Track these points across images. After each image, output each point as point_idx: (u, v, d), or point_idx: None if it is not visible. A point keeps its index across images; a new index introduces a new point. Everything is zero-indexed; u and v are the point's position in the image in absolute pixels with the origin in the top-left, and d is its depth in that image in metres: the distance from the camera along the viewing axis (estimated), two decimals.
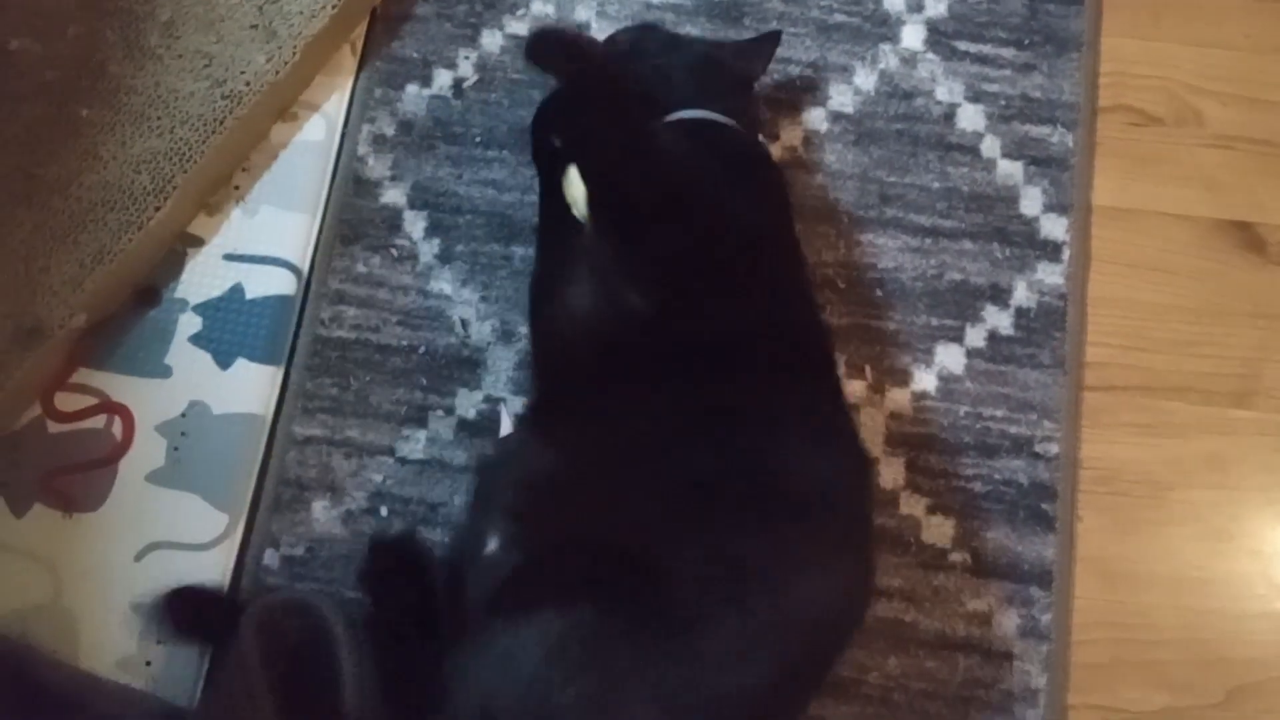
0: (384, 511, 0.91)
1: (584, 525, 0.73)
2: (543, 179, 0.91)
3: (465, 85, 1.02)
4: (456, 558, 0.80)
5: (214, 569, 0.88)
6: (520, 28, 1.04)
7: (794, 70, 1.02)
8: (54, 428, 0.91)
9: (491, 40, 1.03)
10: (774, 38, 0.95)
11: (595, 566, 0.70)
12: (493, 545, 0.74)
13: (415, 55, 1.03)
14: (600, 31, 1.03)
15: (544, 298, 0.86)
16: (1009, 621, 0.88)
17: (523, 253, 0.96)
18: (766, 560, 0.70)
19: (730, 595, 0.69)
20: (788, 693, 0.73)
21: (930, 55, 1.02)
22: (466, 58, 1.03)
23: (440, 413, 0.93)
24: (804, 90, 1.01)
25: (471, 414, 0.93)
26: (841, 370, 0.93)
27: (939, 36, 1.03)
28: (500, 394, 0.93)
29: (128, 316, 0.94)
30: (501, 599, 0.72)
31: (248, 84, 0.94)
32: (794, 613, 0.71)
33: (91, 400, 0.92)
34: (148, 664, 0.85)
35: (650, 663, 0.68)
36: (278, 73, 0.95)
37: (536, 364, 0.88)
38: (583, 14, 1.04)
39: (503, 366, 0.94)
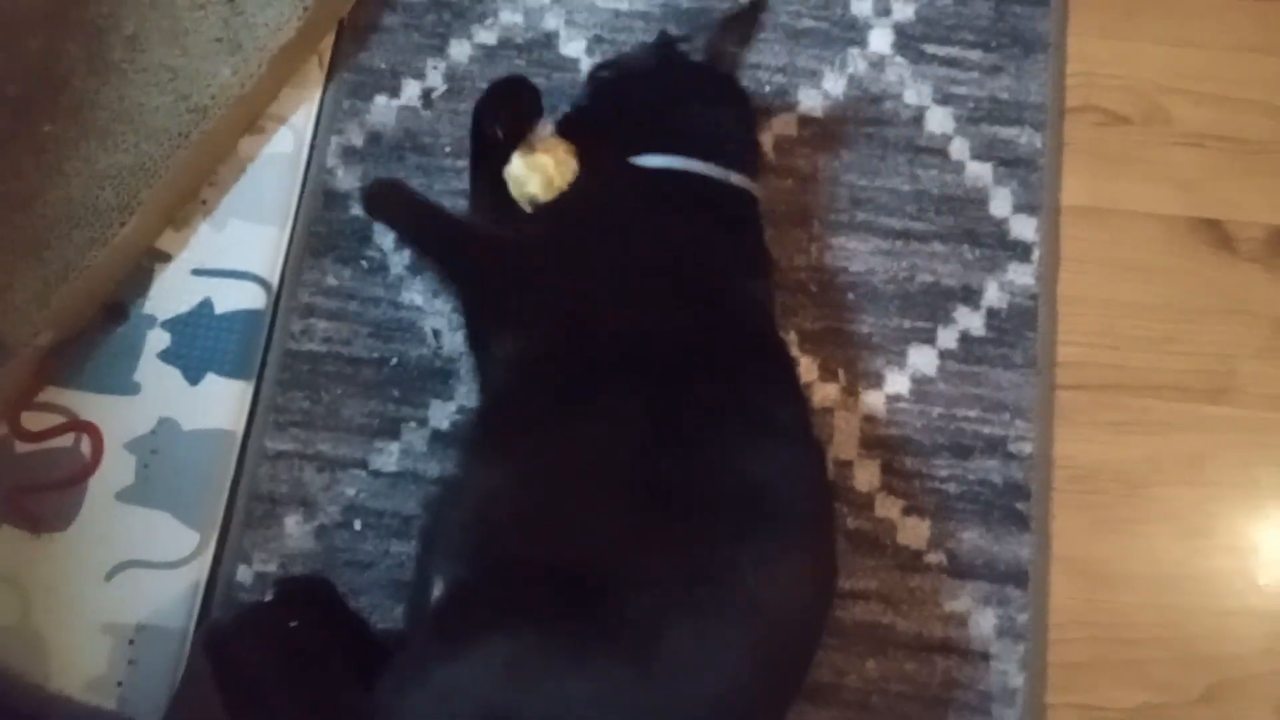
0: (357, 525, 0.90)
1: (531, 543, 0.72)
2: (477, 168, 0.92)
3: (434, 95, 1.02)
4: (408, 611, 0.80)
5: (186, 587, 0.87)
6: (489, 37, 1.03)
7: (763, 76, 1.02)
8: (21, 447, 0.90)
9: (460, 50, 1.03)
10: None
11: (538, 587, 0.69)
12: (439, 590, 0.73)
13: (383, 66, 1.03)
14: (569, 41, 1.03)
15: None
16: (986, 622, 0.88)
17: None
18: (721, 564, 0.70)
19: (685, 602, 0.69)
20: (761, 696, 0.73)
21: (898, 59, 1.02)
22: (435, 68, 1.02)
23: (413, 424, 0.92)
24: (773, 95, 1.01)
25: (445, 425, 0.92)
26: (815, 374, 0.94)
27: (907, 40, 1.03)
28: (473, 404, 0.93)
29: (95, 333, 0.93)
30: (441, 628, 0.71)
31: (214, 97, 0.94)
32: (755, 614, 0.70)
33: (59, 419, 0.91)
34: (118, 684, 0.84)
35: (605, 678, 0.67)
36: (244, 86, 0.95)
37: (481, 375, 0.88)
38: (551, 23, 1.04)
39: (475, 377, 0.93)
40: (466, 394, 0.93)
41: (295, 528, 0.90)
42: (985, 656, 0.87)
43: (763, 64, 1.02)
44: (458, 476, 0.86)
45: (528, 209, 0.88)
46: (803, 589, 0.74)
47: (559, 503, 0.74)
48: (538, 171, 0.87)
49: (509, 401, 0.81)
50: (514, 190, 0.89)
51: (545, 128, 0.92)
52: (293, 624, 0.80)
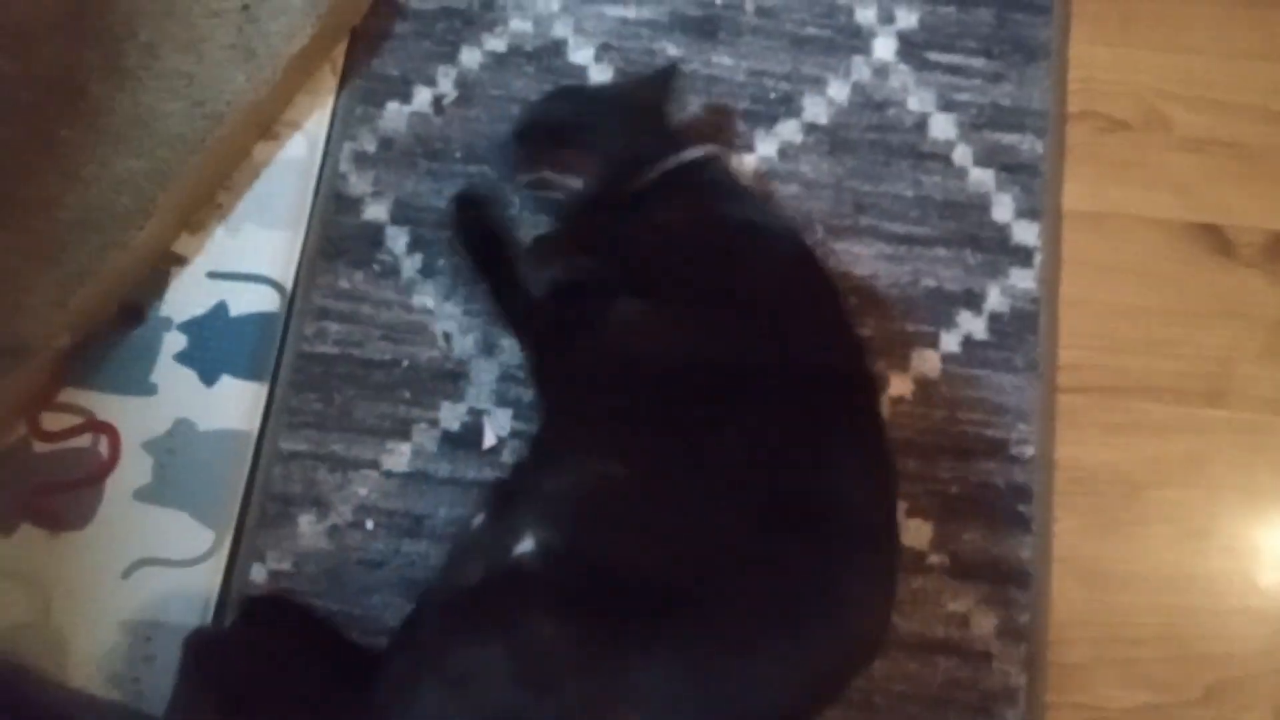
0: (369, 525, 0.91)
1: (626, 543, 0.71)
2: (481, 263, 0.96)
3: (445, 101, 1.03)
4: (456, 560, 0.79)
5: (201, 585, 0.89)
6: (499, 44, 1.05)
7: (768, 83, 1.03)
8: (40, 447, 0.92)
9: (471, 57, 1.04)
10: (671, 71, 0.96)
11: (598, 584, 0.69)
12: (528, 545, 0.72)
13: (395, 73, 1.04)
14: (578, 49, 1.05)
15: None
16: (987, 622, 0.89)
17: None
18: (814, 584, 0.71)
19: (776, 617, 0.69)
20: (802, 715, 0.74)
21: (902, 66, 1.04)
22: (446, 74, 1.04)
23: (424, 425, 0.94)
24: (778, 102, 1.03)
25: (455, 426, 0.94)
26: None
27: (910, 47, 1.04)
28: (483, 406, 0.94)
29: (112, 335, 0.94)
30: (469, 611, 0.71)
31: (228, 103, 0.95)
32: (835, 638, 0.71)
33: (77, 419, 0.92)
34: (136, 681, 0.86)
35: (640, 687, 0.67)
36: (258, 92, 0.96)
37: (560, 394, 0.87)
38: (560, 30, 1.05)
39: (485, 379, 0.95)
40: (476, 396, 0.94)
41: (308, 527, 0.91)
42: (987, 656, 0.88)
43: (768, 71, 1.03)
44: (557, 446, 0.82)
45: None
46: (873, 620, 0.75)
47: (668, 513, 0.72)
48: None
49: (640, 406, 0.79)
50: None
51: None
52: (264, 639, 0.82)
